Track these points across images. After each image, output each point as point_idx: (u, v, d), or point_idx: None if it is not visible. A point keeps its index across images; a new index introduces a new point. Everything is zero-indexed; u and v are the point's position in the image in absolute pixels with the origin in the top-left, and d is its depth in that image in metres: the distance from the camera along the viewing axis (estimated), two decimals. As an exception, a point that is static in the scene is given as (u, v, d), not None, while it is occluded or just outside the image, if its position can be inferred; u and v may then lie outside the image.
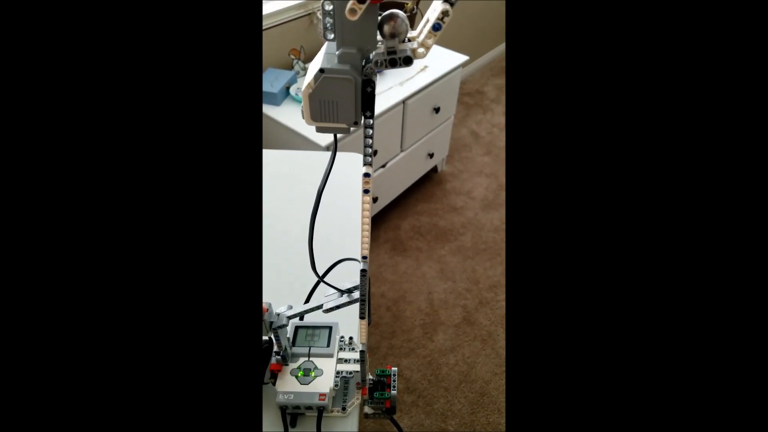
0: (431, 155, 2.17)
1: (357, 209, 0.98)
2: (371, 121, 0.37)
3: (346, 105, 0.35)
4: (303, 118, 0.36)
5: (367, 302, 0.54)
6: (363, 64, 0.33)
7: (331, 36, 0.32)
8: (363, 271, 0.50)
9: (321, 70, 0.33)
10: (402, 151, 1.96)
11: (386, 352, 1.68)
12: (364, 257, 0.49)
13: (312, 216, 0.46)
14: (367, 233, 0.46)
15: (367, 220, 0.45)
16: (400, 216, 2.19)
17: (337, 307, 0.58)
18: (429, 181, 2.37)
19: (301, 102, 1.66)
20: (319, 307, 0.59)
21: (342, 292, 0.58)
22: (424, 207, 2.24)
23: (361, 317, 0.57)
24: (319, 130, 0.37)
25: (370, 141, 0.38)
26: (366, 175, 0.40)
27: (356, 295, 0.58)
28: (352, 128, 0.37)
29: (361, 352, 0.61)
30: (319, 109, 0.35)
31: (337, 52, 0.33)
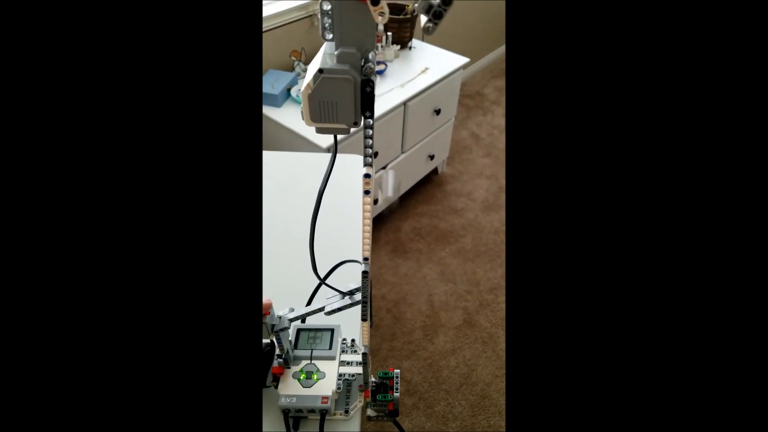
0: (432, 157, 2.17)
1: (357, 210, 0.97)
2: (371, 121, 0.37)
3: (345, 105, 0.34)
4: (303, 119, 0.36)
5: (368, 304, 0.54)
6: (362, 63, 0.33)
7: (330, 36, 0.32)
8: (365, 272, 0.50)
9: (320, 71, 0.33)
10: (402, 152, 1.96)
11: (387, 354, 1.68)
12: (365, 259, 0.49)
13: (313, 218, 0.46)
14: (369, 235, 0.46)
15: (368, 222, 0.44)
16: (401, 218, 2.18)
17: (339, 309, 0.58)
18: (429, 182, 2.37)
19: (301, 103, 1.67)
20: (321, 309, 0.59)
21: (344, 294, 0.58)
22: (424, 209, 2.23)
23: (363, 319, 0.57)
24: (319, 130, 0.37)
25: (371, 142, 0.38)
26: (366, 176, 0.40)
27: (358, 297, 0.57)
28: (352, 129, 0.37)
29: (364, 354, 0.60)
30: (319, 110, 0.35)
31: (335, 52, 0.32)
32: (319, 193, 0.43)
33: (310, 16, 1.85)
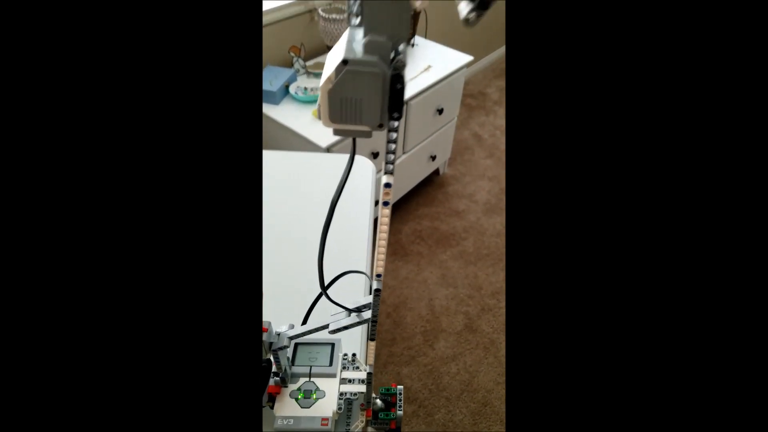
0: (433, 158, 2.13)
1: (360, 216, 0.93)
2: (397, 123, 0.31)
3: (371, 104, 0.29)
4: (319, 118, 0.30)
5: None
6: (393, 55, 0.28)
7: (356, 21, 0.27)
8: (377, 290, 0.45)
9: (344, 62, 0.27)
10: (404, 153, 1.91)
11: (386, 359, 1.64)
12: (378, 275, 0.44)
13: (324, 231, 0.41)
14: (383, 250, 0.41)
15: (385, 236, 0.39)
16: (401, 220, 2.14)
17: (345, 327, 0.53)
18: (431, 184, 2.32)
19: (300, 101, 1.61)
20: (325, 327, 0.54)
21: (350, 311, 0.53)
22: (425, 211, 2.19)
23: (371, 339, 0.52)
24: (337, 132, 0.31)
25: (393, 146, 0.33)
26: (387, 185, 0.35)
27: (366, 314, 0.52)
28: (374, 132, 0.31)
29: (369, 374, 0.56)
30: (340, 108, 0.29)
31: (363, 41, 0.27)
32: (332, 203, 0.38)
33: (310, 11, 1.80)
